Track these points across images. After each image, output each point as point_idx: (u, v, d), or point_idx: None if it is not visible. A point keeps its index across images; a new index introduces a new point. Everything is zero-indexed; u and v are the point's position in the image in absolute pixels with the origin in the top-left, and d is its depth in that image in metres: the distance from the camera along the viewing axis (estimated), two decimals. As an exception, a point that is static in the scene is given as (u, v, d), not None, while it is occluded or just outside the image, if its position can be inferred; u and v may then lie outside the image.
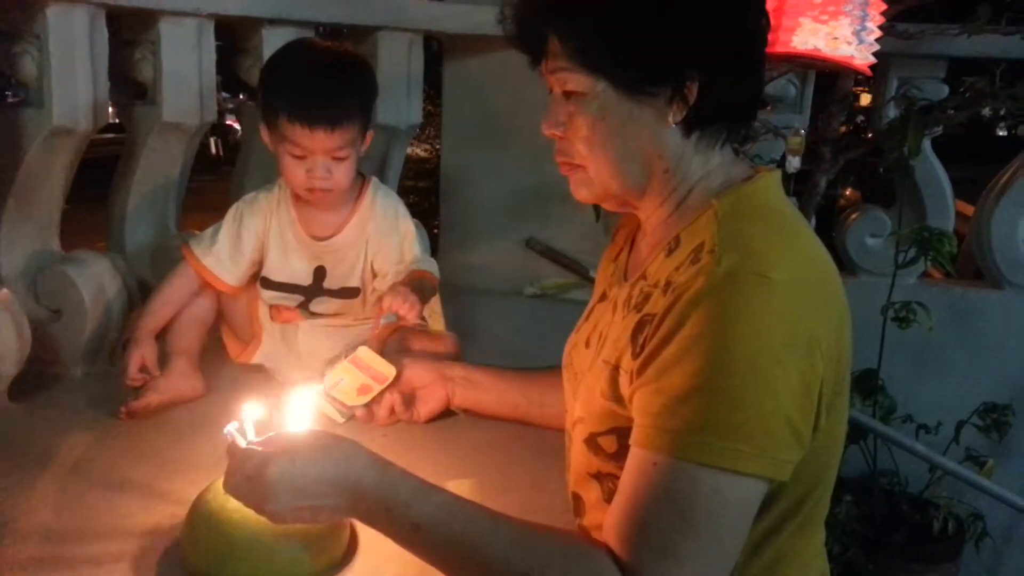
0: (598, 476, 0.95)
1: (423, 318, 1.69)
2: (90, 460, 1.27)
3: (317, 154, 1.42)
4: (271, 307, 1.60)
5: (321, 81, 1.43)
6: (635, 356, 0.86)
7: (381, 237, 1.55)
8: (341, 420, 1.37)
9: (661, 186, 0.94)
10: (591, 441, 0.94)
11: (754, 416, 0.78)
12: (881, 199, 2.88)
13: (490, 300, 2.52)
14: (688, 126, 0.90)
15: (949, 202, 2.69)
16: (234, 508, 0.93)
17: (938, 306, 2.40)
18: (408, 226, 1.58)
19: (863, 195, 4.88)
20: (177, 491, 1.13)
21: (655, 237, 0.97)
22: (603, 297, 1.07)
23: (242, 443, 0.93)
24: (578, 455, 0.99)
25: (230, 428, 0.96)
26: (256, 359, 1.61)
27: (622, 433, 0.88)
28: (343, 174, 1.47)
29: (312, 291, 1.56)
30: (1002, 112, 2.40)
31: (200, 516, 0.96)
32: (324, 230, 1.56)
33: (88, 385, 1.60)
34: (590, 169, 0.94)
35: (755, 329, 0.78)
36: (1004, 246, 2.68)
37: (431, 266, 1.58)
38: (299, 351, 1.60)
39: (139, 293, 1.70)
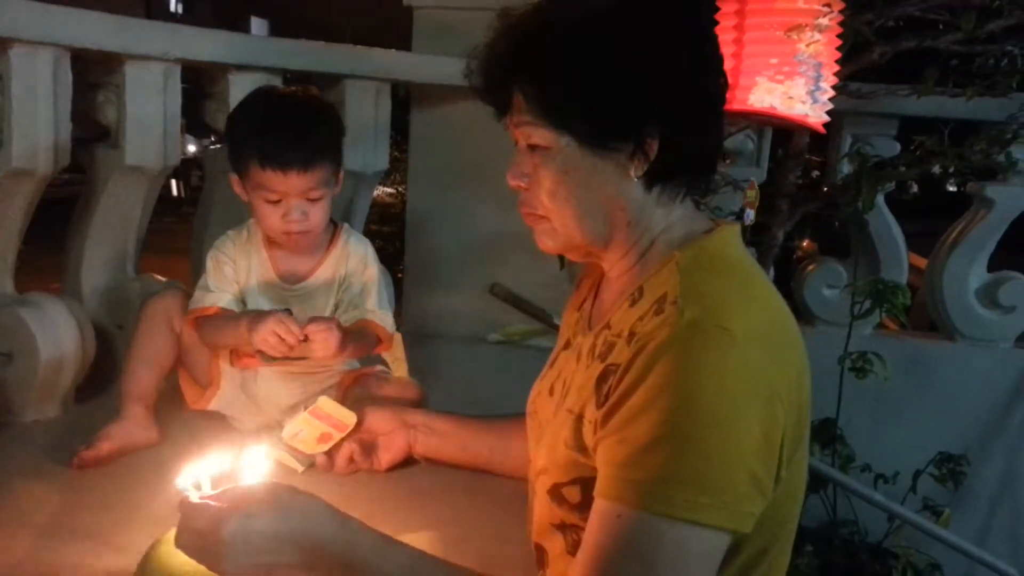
0: (562, 527, 0.95)
1: (386, 366, 1.68)
2: (38, 508, 1.22)
3: (292, 197, 1.43)
4: (231, 351, 1.58)
5: (289, 123, 1.44)
6: (599, 406, 0.86)
7: (350, 280, 1.57)
8: (300, 469, 1.34)
9: (624, 237, 0.95)
10: (555, 492, 0.94)
11: (717, 467, 0.78)
12: (837, 250, 2.95)
13: (454, 346, 2.52)
14: (650, 180, 0.92)
15: (903, 255, 2.76)
16: (185, 561, 0.90)
17: (894, 357, 2.44)
18: (373, 273, 1.59)
19: (819, 246, 4.99)
20: (127, 541, 1.10)
21: (618, 287, 0.98)
22: (567, 345, 1.08)
23: (195, 497, 0.91)
24: (541, 506, 0.98)
25: (183, 480, 0.94)
26: (213, 405, 1.58)
27: (586, 484, 0.88)
28: (319, 215, 1.47)
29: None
30: (951, 170, 2.48)
31: (152, 566, 0.93)
32: (295, 274, 1.56)
33: (37, 431, 1.56)
34: (554, 221, 0.95)
35: (717, 381, 0.79)
36: (956, 299, 2.75)
37: (384, 320, 1.58)
38: (257, 398, 1.58)
39: (94, 336, 1.67)
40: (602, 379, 0.88)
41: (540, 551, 1.00)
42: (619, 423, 0.82)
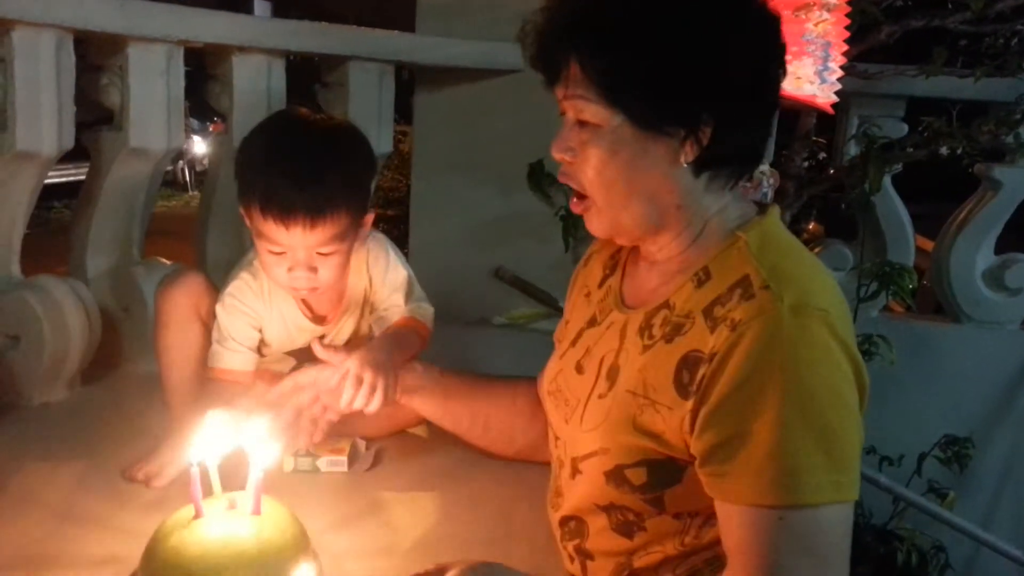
0: (609, 508, 0.95)
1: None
2: (44, 491, 1.23)
3: (298, 251, 1.21)
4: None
5: (299, 168, 1.18)
6: (691, 395, 0.85)
7: (376, 288, 1.41)
8: (323, 469, 1.32)
9: (673, 221, 0.94)
10: (616, 473, 0.93)
11: (845, 444, 0.82)
12: (844, 233, 2.93)
13: (459, 329, 2.51)
14: (699, 167, 0.90)
15: (909, 237, 2.75)
16: (192, 543, 0.91)
17: (899, 340, 2.44)
18: (399, 272, 1.41)
19: (826, 229, 4.97)
20: (133, 524, 1.10)
21: (670, 267, 0.97)
22: (593, 322, 1.06)
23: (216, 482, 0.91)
24: (588, 487, 0.98)
25: (191, 457, 0.94)
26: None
27: (653, 466, 0.90)
28: (331, 270, 1.25)
29: (309, 356, 1.34)
30: (959, 151, 2.46)
31: (160, 548, 0.94)
32: (324, 309, 1.40)
33: (45, 413, 1.56)
34: (599, 201, 0.94)
35: (829, 361, 0.82)
36: (962, 281, 2.74)
37: (424, 313, 1.43)
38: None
39: (100, 320, 1.67)
40: (685, 366, 0.87)
41: (579, 523, 1.01)
42: (741, 422, 0.82)
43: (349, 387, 1.22)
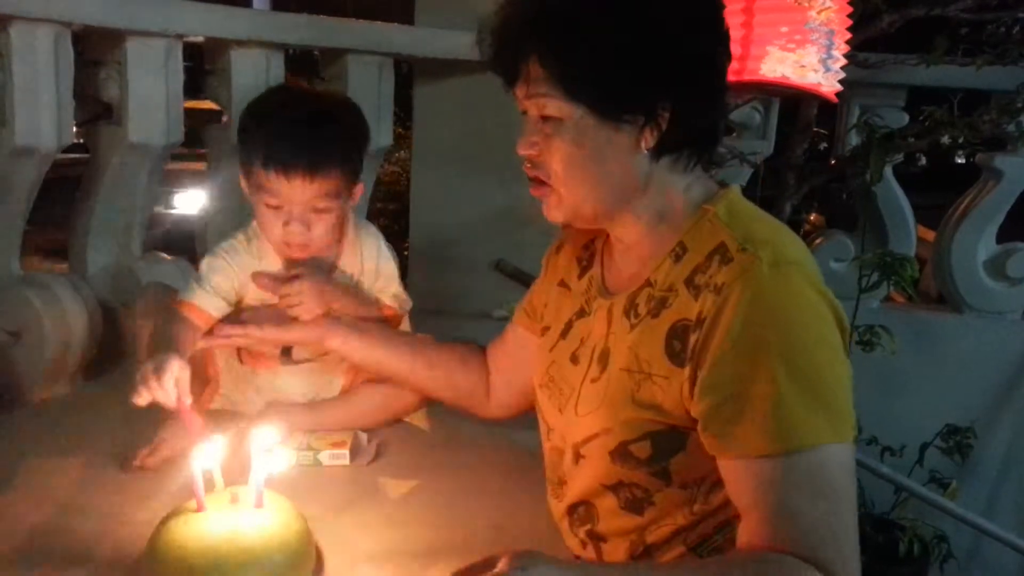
0: (616, 487, 0.97)
1: None
2: (46, 486, 1.23)
3: (295, 205, 1.30)
4: (239, 350, 1.47)
5: (300, 126, 1.30)
6: (687, 362, 0.88)
7: (364, 278, 1.45)
8: (324, 462, 1.30)
9: (632, 205, 0.97)
10: (621, 450, 0.95)
11: (838, 389, 0.85)
12: (845, 223, 2.93)
13: (459, 322, 2.51)
14: (658, 151, 0.94)
15: (911, 227, 2.74)
16: (194, 536, 0.91)
17: (901, 330, 2.44)
18: (389, 267, 1.47)
19: (827, 220, 4.97)
20: (135, 518, 1.10)
21: (644, 249, 0.99)
22: (582, 313, 1.08)
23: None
24: (593, 469, 0.99)
25: (196, 463, 0.95)
26: (215, 405, 1.47)
27: (656, 438, 0.92)
28: (323, 229, 1.33)
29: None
30: (960, 141, 2.46)
31: (162, 542, 0.94)
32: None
33: (48, 409, 1.56)
34: (563, 191, 0.96)
35: (813, 313, 0.86)
36: (964, 271, 2.74)
37: (398, 303, 1.48)
38: (274, 394, 1.47)
39: (101, 315, 1.67)
40: (674, 335, 0.90)
41: (588, 509, 1.02)
42: (737, 379, 0.85)
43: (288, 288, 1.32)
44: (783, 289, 0.86)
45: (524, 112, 0.97)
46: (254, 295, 1.42)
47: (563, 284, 1.15)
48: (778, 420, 0.83)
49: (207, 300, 1.38)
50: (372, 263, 1.45)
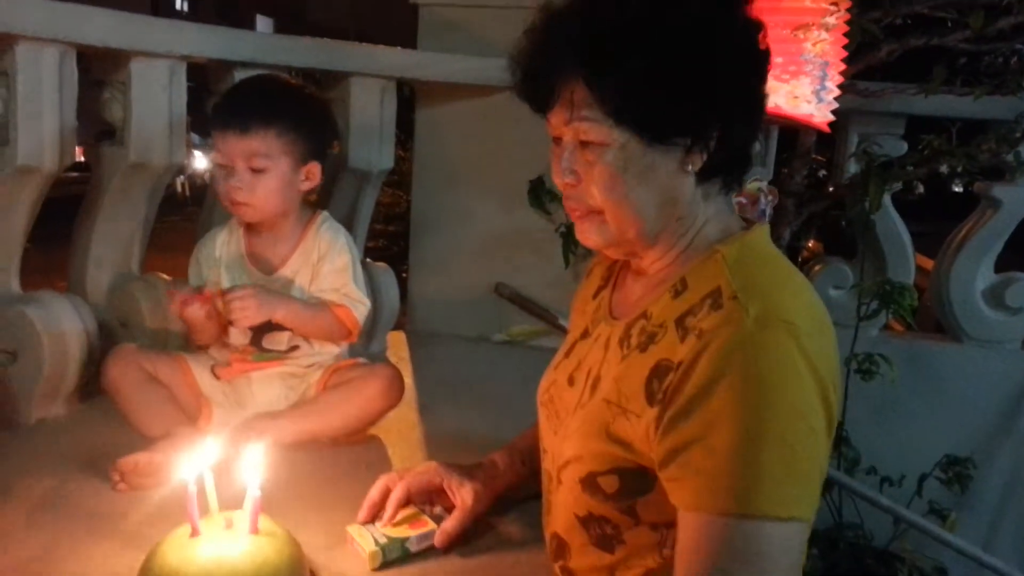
0: (587, 520, 0.95)
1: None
2: (41, 507, 1.22)
3: (235, 160, 1.46)
4: (213, 367, 1.56)
5: (248, 91, 1.53)
6: (655, 403, 0.86)
7: (321, 266, 1.57)
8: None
9: (670, 233, 0.96)
10: (589, 480, 0.93)
11: (803, 460, 0.80)
12: (843, 250, 2.93)
13: (458, 345, 2.51)
14: (702, 175, 0.92)
15: (909, 256, 2.75)
16: (187, 560, 0.90)
17: (900, 358, 2.43)
18: (343, 260, 1.57)
19: (825, 246, 4.97)
20: (130, 541, 1.10)
21: (654, 279, 0.98)
22: (585, 334, 1.07)
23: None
24: (567, 496, 0.98)
25: (185, 473, 0.94)
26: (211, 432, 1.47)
27: (624, 474, 0.90)
28: (263, 189, 1.48)
29: (263, 326, 1.52)
30: (958, 170, 2.47)
31: (156, 568, 0.93)
32: (271, 263, 1.57)
33: (43, 430, 1.55)
34: (608, 216, 0.93)
35: (792, 377, 0.81)
36: (962, 300, 2.74)
37: (351, 304, 1.56)
38: (256, 403, 1.55)
39: (99, 336, 1.66)
40: (655, 374, 0.88)
41: (560, 543, 1.00)
42: (699, 428, 0.82)
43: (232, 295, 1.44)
44: (763, 347, 0.81)
45: (556, 139, 0.94)
46: (224, 273, 1.57)
47: (585, 305, 1.14)
48: (732, 479, 0.79)
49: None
50: (325, 254, 1.57)
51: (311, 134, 1.53)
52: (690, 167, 0.90)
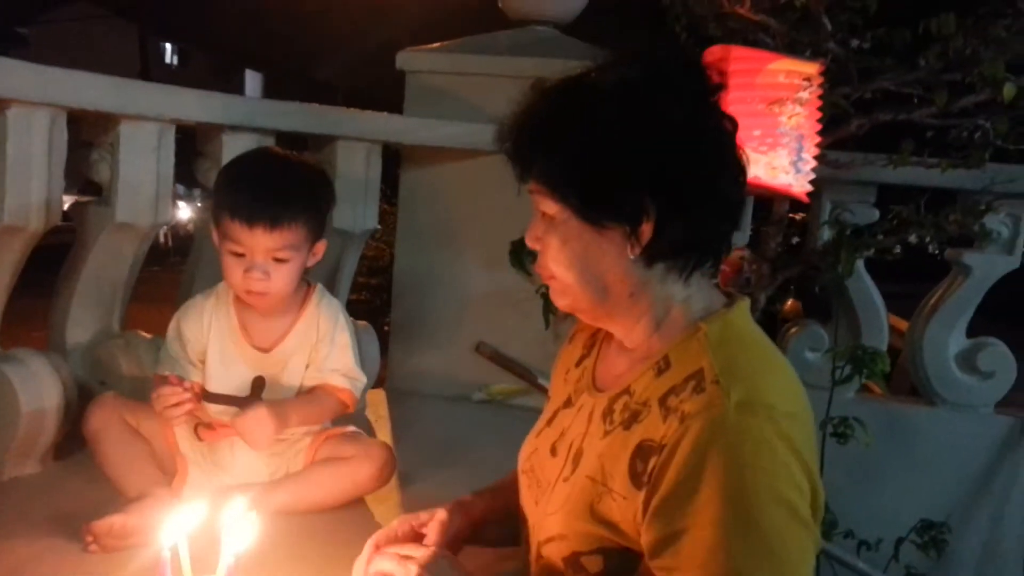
0: None
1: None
2: (14, 568, 1.21)
3: (257, 254, 1.40)
4: (197, 427, 1.52)
5: (267, 180, 1.43)
6: (641, 486, 0.87)
7: (320, 344, 1.54)
8: None
9: (627, 308, 0.98)
10: (572, 560, 0.94)
11: (788, 543, 0.82)
12: (822, 310, 2.97)
13: (438, 404, 2.51)
14: (649, 259, 0.94)
15: (883, 320, 2.79)
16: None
17: (875, 421, 2.46)
18: (343, 338, 1.55)
19: (804, 306, 5.02)
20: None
21: (637, 353, 1.00)
22: (568, 403, 1.08)
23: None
24: (549, 572, 0.98)
25: (164, 538, 0.94)
26: (186, 496, 1.46)
27: (609, 554, 0.91)
28: (282, 278, 1.43)
29: (250, 403, 1.44)
30: (927, 239, 2.53)
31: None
32: (266, 339, 1.52)
33: (15, 488, 1.54)
34: (559, 283, 0.99)
35: (772, 463, 0.83)
36: (936, 365, 2.78)
37: (351, 383, 1.54)
38: (236, 470, 1.51)
39: (77, 394, 1.66)
40: (639, 455, 0.89)
41: None
42: (683, 516, 0.83)
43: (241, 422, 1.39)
44: (744, 433, 0.83)
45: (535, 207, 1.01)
46: (214, 348, 1.51)
47: (567, 372, 1.15)
48: (718, 569, 0.81)
49: (169, 367, 1.49)
50: (328, 332, 1.53)
51: (323, 213, 1.50)
52: (629, 251, 0.93)
